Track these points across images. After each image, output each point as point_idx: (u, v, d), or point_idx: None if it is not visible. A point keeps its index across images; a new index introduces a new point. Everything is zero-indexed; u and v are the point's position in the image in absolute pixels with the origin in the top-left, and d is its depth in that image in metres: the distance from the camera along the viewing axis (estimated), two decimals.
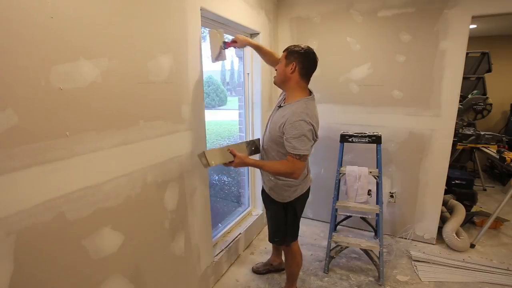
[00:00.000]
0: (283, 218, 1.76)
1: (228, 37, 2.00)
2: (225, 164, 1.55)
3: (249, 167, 2.76)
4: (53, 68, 1.00)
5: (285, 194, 1.71)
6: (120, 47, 1.24)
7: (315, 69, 1.63)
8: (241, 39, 1.79)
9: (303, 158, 1.49)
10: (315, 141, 1.58)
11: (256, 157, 1.79)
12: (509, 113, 4.72)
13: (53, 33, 0.99)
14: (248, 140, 1.74)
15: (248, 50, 2.57)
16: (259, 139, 1.78)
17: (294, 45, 1.61)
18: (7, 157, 0.90)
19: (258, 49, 1.89)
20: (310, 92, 1.67)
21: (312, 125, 1.51)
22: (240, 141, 1.69)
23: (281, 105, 1.66)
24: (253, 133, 2.78)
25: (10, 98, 0.90)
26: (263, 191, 1.89)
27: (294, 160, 1.48)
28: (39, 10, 0.95)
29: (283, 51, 1.64)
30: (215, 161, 1.49)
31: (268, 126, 1.69)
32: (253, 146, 1.72)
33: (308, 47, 1.60)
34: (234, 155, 1.54)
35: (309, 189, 1.80)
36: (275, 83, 1.71)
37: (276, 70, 1.67)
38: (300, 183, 1.71)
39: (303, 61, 1.57)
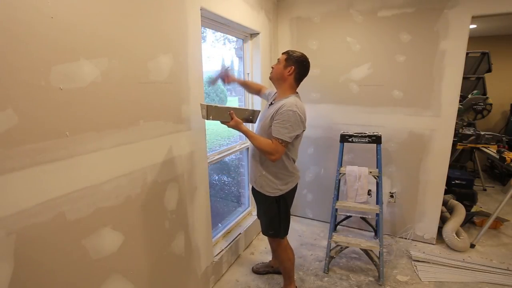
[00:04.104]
0: (276, 211, 1.84)
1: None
2: (221, 122, 1.63)
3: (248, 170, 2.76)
4: (53, 68, 1.00)
5: (277, 187, 1.78)
6: (120, 47, 1.24)
7: (306, 75, 1.81)
8: (231, 78, 2.01)
9: (284, 143, 1.63)
10: (302, 131, 1.72)
11: (249, 126, 1.91)
12: (509, 113, 4.72)
13: (53, 33, 0.99)
14: (249, 108, 1.81)
15: (248, 50, 2.57)
16: (258, 111, 1.84)
17: (293, 50, 1.77)
18: (7, 157, 0.90)
19: (245, 83, 2.18)
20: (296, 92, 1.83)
21: (300, 116, 1.65)
22: (243, 107, 1.77)
23: (272, 102, 1.81)
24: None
25: (10, 98, 0.90)
26: (253, 188, 1.94)
27: (277, 143, 1.62)
28: (39, 10, 0.95)
29: (283, 53, 1.77)
30: (213, 116, 1.56)
31: (260, 120, 1.81)
32: (251, 115, 1.80)
33: (304, 55, 1.76)
34: (232, 118, 1.62)
35: (297, 185, 1.92)
36: (271, 79, 1.84)
37: (272, 68, 1.80)
38: (292, 176, 1.82)
39: (300, 67, 1.74)
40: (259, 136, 1.69)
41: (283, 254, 1.95)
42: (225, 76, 1.99)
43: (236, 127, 1.63)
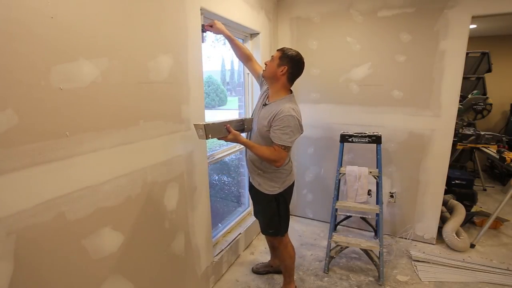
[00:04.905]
0: (275, 209, 1.83)
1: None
2: (219, 138, 1.61)
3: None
4: (53, 68, 1.00)
5: (275, 185, 1.78)
6: (120, 47, 1.24)
7: (300, 75, 1.74)
8: (218, 26, 1.84)
9: (287, 149, 1.62)
10: (300, 133, 1.68)
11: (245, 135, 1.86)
12: (509, 113, 4.72)
13: (53, 33, 0.99)
14: (242, 118, 1.80)
15: None
16: (252, 118, 1.83)
17: (289, 48, 1.69)
18: (7, 157, 0.90)
19: (231, 40, 1.93)
20: (291, 91, 1.77)
21: (298, 119, 1.63)
22: (236, 118, 1.76)
23: (266, 103, 1.75)
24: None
25: (10, 98, 0.90)
26: (251, 187, 1.92)
27: (279, 150, 1.60)
28: (39, 10, 0.95)
29: (278, 50, 1.70)
30: (211, 135, 1.52)
31: (256, 123, 1.77)
32: (244, 124, 1.79)
33: (300, 54, 1.69)
34: (229, 132, 1.59)
35: (294, 182, 1.91)
36: (263, 77, 1.79)
37: (266, 64, 1.74)
38: (288, 174, 1.81)
39: (293, 67, 1.67)
40: (259, 145, 1.66)
41: (284, 251, 1.94)
42: (210, 26, 1.83)
43: (235, 140, 1.61)
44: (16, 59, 0.91)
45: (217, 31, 1.86)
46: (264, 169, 1.77)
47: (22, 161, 0.94)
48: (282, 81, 1.69)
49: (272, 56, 1.72)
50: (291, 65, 1.65)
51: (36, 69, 0.96)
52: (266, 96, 1.78)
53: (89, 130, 1.14)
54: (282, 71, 1.65)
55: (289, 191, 1.87)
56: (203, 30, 1.84)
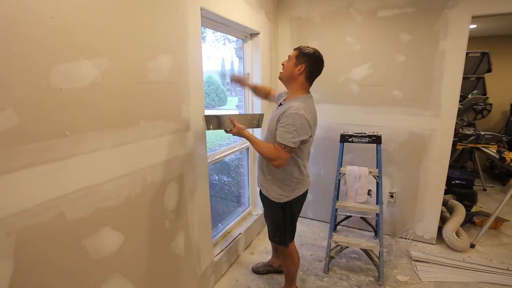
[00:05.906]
0: (281, 218, 1.78)
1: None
2: (226, 131, 1.63)
3: (249, 167, 2.77)
4: (53, 68, 1.00)
5: (283, 193, 1.72)
6: (120, 47, 1.24)
7: (320, 74, 1.69)
8: (245, 81, 2.12)
9: (287, 149, 1.51)
10: (310, 136, 1.60)
11: (255, 132, 1.89)
12: (509, 113, 4.72)
13: (53, 33, 0.99)
14: (252, 113, 1.82)
15: (248, 50, 2.57)
16: (262, 114, 1.80)
17: (306, 46, 1.64)
18: (7, 157, 0.90)
19: (254, 88, 2.13)
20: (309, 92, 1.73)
21: (307, 120, 1.53)
22: (244, 113, 1.80)
23: (282, 102, 1.72)
24: (253, 132, 2.78)
25: (10, 98, 0.90)
26: (261, 192, 1.89)
27: (279, 148, 1.51)
28: (39, 10, 0.95)
29: (294, 49, 1.66)
30: (213, 126, 1.58)
31: (268, 123, 1.74)
32: (255, 120, 1.76)
33: (318, 51, 1.63)
34: (234, 125, 1.60)
35: (307, 191, 1.83)
36: (280, 79, 1.74)
37: (282, 65, 1.70)
38: (299, 183, 1.73)
39: (312, 66, 1.61)
40: (261, 141, 1.63)
41: (289, 260, 1.91)
42: (241, 80, 2.06)
43: (239, 134, 1.60)
44: (16, 59, 0.91)
45: (243, 85, 2.10)
46: (273, 174, 1.71)
47: (22, 161, 0.94)
48: (300, 80, 1.63)
49: (288, 55, 1.67)
50: (309, 63, 1.59)
51: (36, 69, 0.96)
52: (284, 98, 1.75)
53: (89, 130, 1.14)
54: (299, 70, 1.59)
55: (298, 200, 1.77)
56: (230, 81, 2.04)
